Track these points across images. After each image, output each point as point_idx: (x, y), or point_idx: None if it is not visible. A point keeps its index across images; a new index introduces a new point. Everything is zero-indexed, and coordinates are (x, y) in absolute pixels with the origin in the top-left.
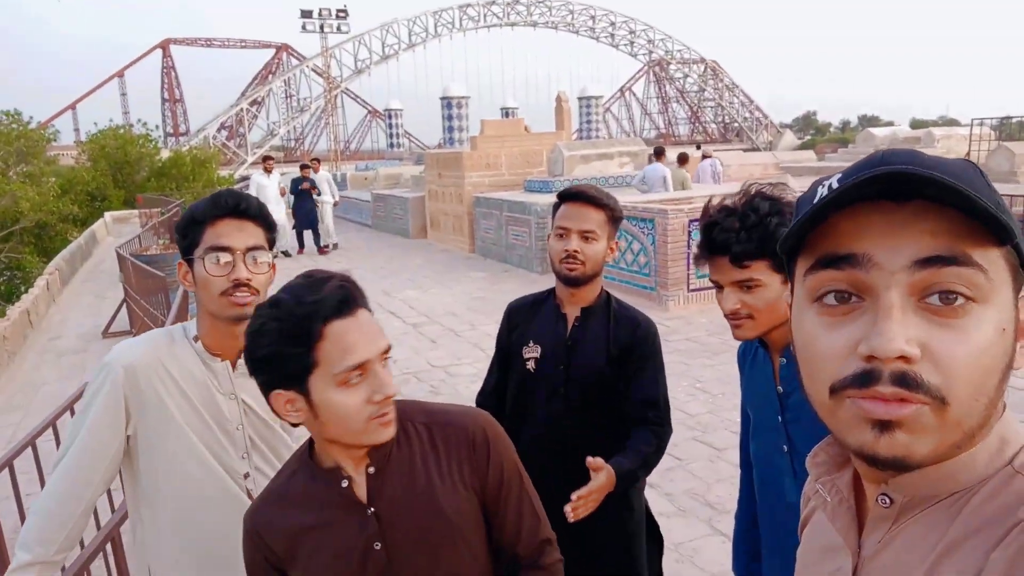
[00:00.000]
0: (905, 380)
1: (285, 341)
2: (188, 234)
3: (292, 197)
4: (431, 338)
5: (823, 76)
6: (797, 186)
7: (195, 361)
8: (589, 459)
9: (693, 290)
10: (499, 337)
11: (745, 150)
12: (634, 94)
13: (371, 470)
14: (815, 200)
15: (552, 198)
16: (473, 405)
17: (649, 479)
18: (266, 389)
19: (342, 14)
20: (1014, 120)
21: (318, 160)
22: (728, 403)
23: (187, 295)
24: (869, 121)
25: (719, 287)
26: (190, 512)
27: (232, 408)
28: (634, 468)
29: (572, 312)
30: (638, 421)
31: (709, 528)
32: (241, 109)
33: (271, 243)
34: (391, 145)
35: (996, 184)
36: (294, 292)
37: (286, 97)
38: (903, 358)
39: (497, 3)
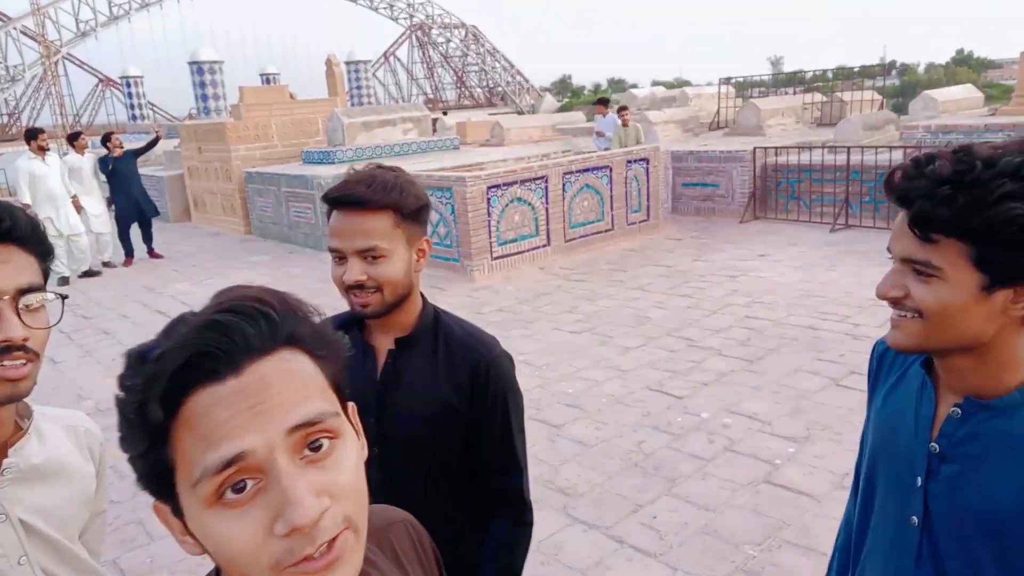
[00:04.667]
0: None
1: (126, 430)
2: None
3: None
4: None
5: (573, 44)
6: (583, 145)
7: None
8: None
9: (497, 258)
10: None
11: (519, 113)
12: (399, 59)
13: None
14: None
15: (335, 170)
16: None
17: None
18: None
19: None
20: (755, 78)
21: (79, 135)
22: (555, 374)
23: None
24: (617, 84)
25: (892, 256)
26: None
27: (5, 535)
28: None
29: (383, 344)
30: (494, 498)
31: (566, 518)
32: None
33: (47, 276)
34: (133, 117)
35: (746, 138)
36: (140, 348)
37: None
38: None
39: None
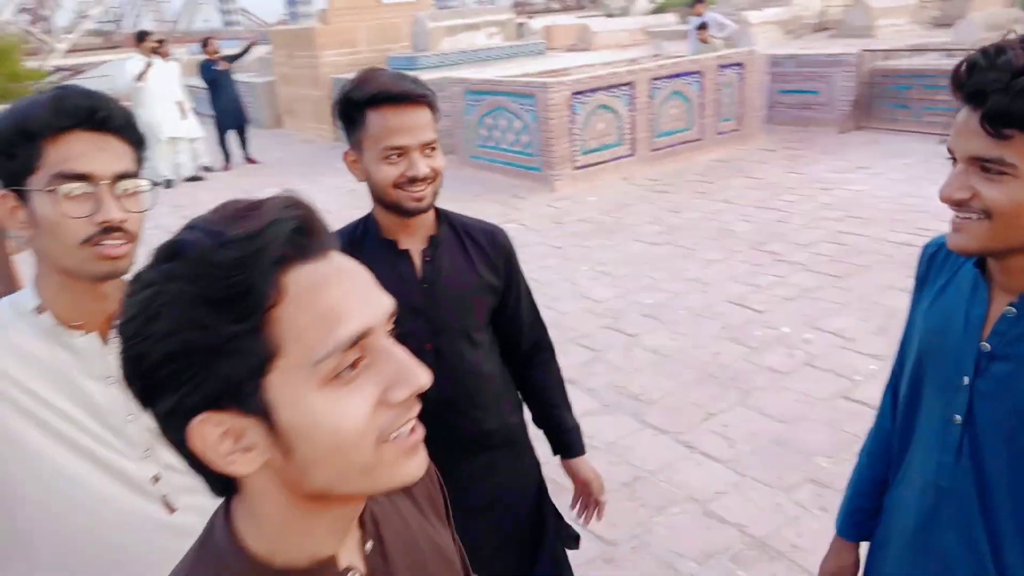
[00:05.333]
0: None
1: (205, 316)
2: (16, 152)
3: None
4: None
5: None
6: (674, 49)
7: (43, 342)
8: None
9: (579, 167)
10: None
11: (608, 16)
12: None
13: (369, 546)
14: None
15: (424, 76)
16: None
17: (568, 375)
18: (173, 419)
19: None
20: None
21: (163, 42)
22: (635, 284)
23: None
24: None
25: (953, 158)
26: (87, 549)
27: (114, 395)
28: (572, 413)
29: (415, 245)
30: (531, 350)
31: (638, 423)
32: None
33: (140, 165)
34: (227, 24)
35: (853, 40)
36: (208, 228)
37: None
38: None
39: None
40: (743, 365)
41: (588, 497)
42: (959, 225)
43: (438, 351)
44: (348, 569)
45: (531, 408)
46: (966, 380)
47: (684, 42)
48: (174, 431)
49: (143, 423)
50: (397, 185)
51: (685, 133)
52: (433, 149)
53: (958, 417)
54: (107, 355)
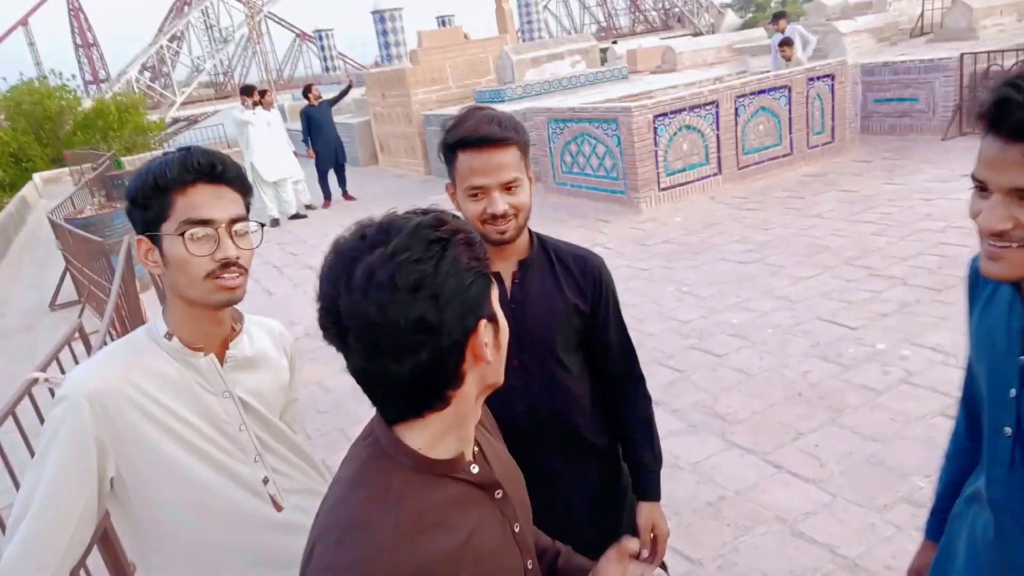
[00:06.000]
0: None
1: (478, 254)
2: (151, 204)
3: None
4: None
5: None
6: (760, 65)
7: (171, 363)
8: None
9: (664, 189)
10: None
11: (695, 35)
12: None
13: (476, 450)
14: None
15: (507, 108)
16: None
17: (653, 396)
18: (460, 338)
19: None
20: None
21: (265, 92)
22: (721, 304)
23: (131, 258)
24: None
25: (981, 188)
26: (209, 543)
27: (229, 408)
28: (655, 453)
29: (506, 268)
30: (620, 377)
31: (724, 442)
32: (161, 47)
33: (247, 210)
34: (326, 69)
35: (954, 43)
36: (442, 213)
37: (206, 28)
38: None
39: None
40: (834, 384)
41: (646, 545)
42: (996, 254)
43: (524, 366)
44: (470, 462)
45: (619, 440)
46: (1012, 392)
47: (762, 57)
48: (451, 352)
49: (252, 432)
50: (482, 220)
51: (774, 149)
52: (515, 187)
53: (1008, 430)
54: (224, 374)
